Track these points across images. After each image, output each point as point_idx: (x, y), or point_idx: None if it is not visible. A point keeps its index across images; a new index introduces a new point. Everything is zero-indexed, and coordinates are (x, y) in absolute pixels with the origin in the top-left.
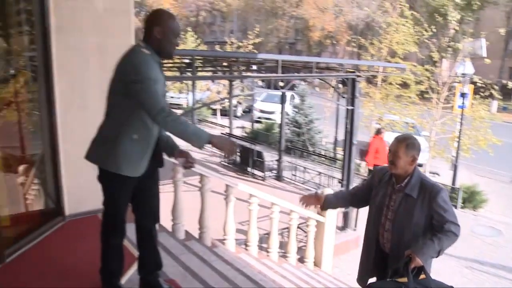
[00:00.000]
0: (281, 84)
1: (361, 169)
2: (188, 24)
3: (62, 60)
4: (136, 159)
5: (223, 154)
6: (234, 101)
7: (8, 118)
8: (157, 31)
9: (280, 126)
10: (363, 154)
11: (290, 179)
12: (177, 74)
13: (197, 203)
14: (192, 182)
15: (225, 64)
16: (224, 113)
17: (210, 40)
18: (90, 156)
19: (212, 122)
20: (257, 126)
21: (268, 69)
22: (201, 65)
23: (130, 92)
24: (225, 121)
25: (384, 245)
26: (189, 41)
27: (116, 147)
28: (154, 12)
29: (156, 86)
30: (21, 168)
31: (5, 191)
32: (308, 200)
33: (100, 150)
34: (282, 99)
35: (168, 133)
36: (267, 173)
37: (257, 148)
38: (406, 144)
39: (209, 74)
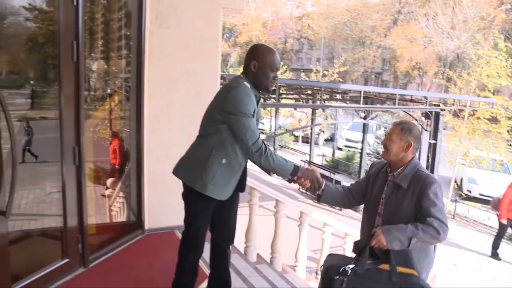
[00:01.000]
0: (362, 114)
1: (489, 222)
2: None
3: (152, 83)
4: (223, 183)
5: (307, 187)
6: (316, 129)
7: (101, 134)
8: (253, 64)
9: (361, 156)
10: (495, 204)
11: None
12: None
13: (271, 228)
14: (268, 207)
15: (309, 92)
16: (306, 140)
17: (296, 67)
18: (179, 172)
19: (293, 149)
20: (337, 154)
21: (351, 99)
22: (285, 91)
23: (226, 121)
24: (306, 148)
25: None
26: None
27: (205, 168)
28: (252, 46)
29: (250, 120)
30: (109, 181)
31: (94, 201)
32: (310, 177)
33: (190, 169)
34: (364, 129)
35: None
36: None
37: (337, 177)
38: (401, 127)
39: (293, 101)
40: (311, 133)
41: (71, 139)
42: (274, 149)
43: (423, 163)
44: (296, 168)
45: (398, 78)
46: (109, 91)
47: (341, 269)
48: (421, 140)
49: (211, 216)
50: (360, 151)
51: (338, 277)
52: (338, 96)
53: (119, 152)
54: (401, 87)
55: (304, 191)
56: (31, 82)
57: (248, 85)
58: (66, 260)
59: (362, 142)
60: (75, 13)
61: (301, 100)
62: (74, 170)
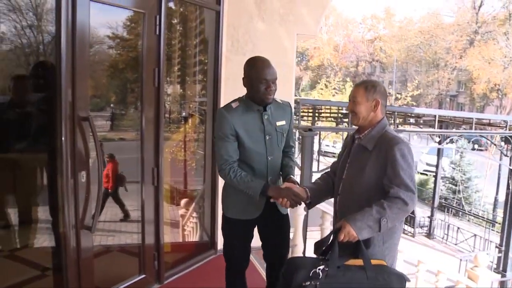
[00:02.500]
0: (437, 139)
1: None
2: (348, 74)
3: None
4: (240, 202)
5: (287, 207)
6: None
7: (176, 155)
8: (244, 81)
9: (435, 181)
10: None
11: (442, 238)
12: (333, 124)
13: None
14: None
15: None
16: None
17: None
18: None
19: None
20: None
21: (425, 123)
22: None
23: None
24: None
25: (336, 214)
26: (347, 91)
27: (225, 190)
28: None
29: (220, 141)
30: (182, 201)
31: (168, 221)
32: (286, 195)
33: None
34: (438, 154)
35: (288, 162)
36: (417, 229)
37: None
38: (365, 86)
39: None
40: None
41: (151, 160)
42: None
43: (502, 190)
44: (265, 187)
45: (475, 100)
46: (184, 114)
47: (311, 273)
48: (388, 96)
49: (248, 239)
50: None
51: (308, 282)
52: (412, 120)
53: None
54: (478, 110)
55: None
56: (111, 105)
57: (234, 104)
58: (143, 275)
59: (437, 167)
60: (157, 42)
61: None
62: (153, 190)
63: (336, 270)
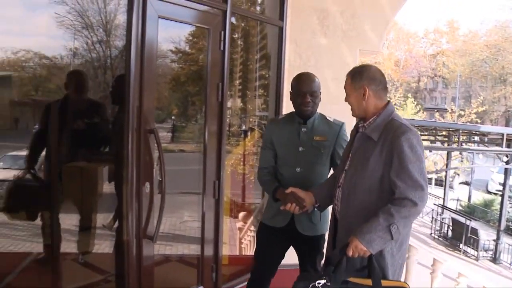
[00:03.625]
0: (505, 158)
1: None
2: (409, 90)
3: None
4: (272, 209)
5: (296, 212)
6: (451, 172)
7: (235, 168)
8: (290, 95)
9: (501, 202)
10: None
11: (509, 264)
12: None
13: (402, 274)
14: None
15: (444, 133)
16: (440, 183)
17: (430, 106)
18: None
19: (430, 193)
20: (474, 199)
21: (491, 141)
22: (419, 132)
23: None
24: (439, 191)
25: (335, 209)
26: (408, 108)
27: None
28: None
29: (262, 149)
30: (240, 214)
31: (226, 233)
32: (289, 200)
33: None
34: (506, 174)
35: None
36: (481, 253)
37: (472, 224)
38: (351, 75)
39: (428, 142)
40: (446, 176)
41: (212, 173)
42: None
43: None
44: (276, 189)
45: None
46: (244, 128)
47: (310, 286)
48: (380, 78)
49: (271, 249)
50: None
51: None
52: (476, 138)
53: None
54: None
55: (437, 237)
56: (172, 117)
57: (280, 116)
58: (201, 287)
59: (504, 187)
60: (221, 57)
61: (436, 141)
62: (214, 203)
63: (339, 286)
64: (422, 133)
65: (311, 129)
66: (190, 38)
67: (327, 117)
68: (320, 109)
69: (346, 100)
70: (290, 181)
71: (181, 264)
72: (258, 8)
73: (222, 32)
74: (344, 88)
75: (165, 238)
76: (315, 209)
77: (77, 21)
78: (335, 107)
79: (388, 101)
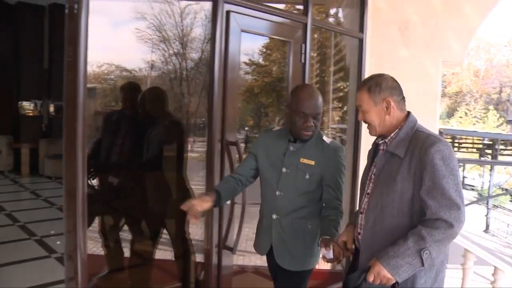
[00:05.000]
0: None
1: None
2: (489, 102)
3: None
4: (257, 232)
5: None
6: None
7: None
8: (285, 109)
9: None
10: None
11: None
12: (476, 155)
13: None
14: (483, 273)
15: None
16: None
17: None
18: None
19: (509, 210)
20: None
21: None
22: (503, 147)
23: None
24: None
25: (358, 236)
26: (490, 120)
27: None
28: None
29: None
30: None
31: None
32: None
33: None
34: None
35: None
36: None
37: None
38: (367, 88)
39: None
40: None
41: None
42: (488, 209)
43: None
44: (212, 191)
45: None
46: None
47: None
48: (399, 86)
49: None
50: None
51: None
52: None
53: None
54: None
55: None
56: (246, 128)
57: (275, 128)
58: None
59: None
60: (302, 70)
61: None
62: None
63: None
64: (507, 148)
65: (299, 148)
66: (264, 50)
67: (324, 138)
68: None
69: (362, 118)
70: (269, 205)
71: (257, 276)
72: (331, 19)
73: (303, 45)
74: (359, 105)
75: (240, 248)
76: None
77: (155, 35)
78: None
79: (408, 112)
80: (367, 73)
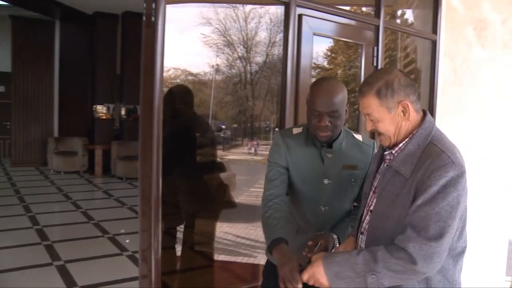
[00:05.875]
0: None
1: None
2: None
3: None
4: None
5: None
6: None
7: None
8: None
9: None
10: None
11: None
12: None
13: None
14: None
15: None
16: None
17: None
18: None
19: None
20: None
21: None
22: None
23: None
24: None
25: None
26: None
27: None
28: None
29: (269, 167)
30: None
31: None
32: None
33: None
34: None
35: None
36: None
37: None
38: (377, 91)
39: None
40: None
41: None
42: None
43: None
44: (278, 242)
45: None
46: None
47: None
48: (412, 82)
49: None
50: None
51: None
52: None
53: None
54: None
55: None
56: None
57: (294, 130)
58: None
59: None
60: None
61: None
62: None
63: None
64: None
65: (338, 154)
66: (328, 53)
67: (354, 135)
68: (474, 129)
69: (372, 128)
70: (311, 222)
71: None
72: (398, 21)
73: (375, 48)
74: (367, 114)
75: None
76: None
77: (219, 40)
78: (493, 126)
79: (424, 112)
80: (441, 76)
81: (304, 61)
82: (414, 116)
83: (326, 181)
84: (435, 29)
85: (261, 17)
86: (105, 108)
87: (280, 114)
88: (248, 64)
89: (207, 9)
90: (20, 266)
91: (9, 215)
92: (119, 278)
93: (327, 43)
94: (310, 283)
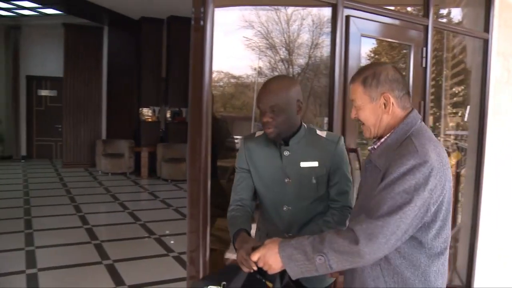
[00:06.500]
0: None
1: None
2: None
3: (494, 144)
4: None
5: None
6: None
7: None
8: None
9: None
10: None
11: None
12: None
13: None
14: None
15: None
16: None
17: None
18: None
19: None
20: None
21: None
22: None
23: None
24: None
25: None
26: None
27: None
28: None
29: (236, 176)
30: None
31: None
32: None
33: None
34: None
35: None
36: None
37: None
38: (363, 79)
39: None
40: None
41: None
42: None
43: None
44: (235, 235)
45: None
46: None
47: None
48: (403, 79)
49: None
50: None
51: None
52: None
53: None
54: None
55: None
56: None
57: (260, 133)
58: None
59: None
60: (423, 75)
61: None
62: None
63: None
64: None
65: (296, 151)
66: (372, 55)
67: (318, 131)
68: None
69: (355, 116)
70: (278, 225)
71: None
72: (443, 20)
73: (424, 49)
74: (353, 99)
75: None
76: None
77: (261, 43)
78: None
79: (411, 109)
80: (493, 76)
81: (351, 63)
82: (397, 111)
83: (287, 180)
84: (487, 27)
85: (303, 19)
86: (150, 111)
87: (328, 116)
88: (291, 66)
89: (249, 12)
90: (70, 264)
91: (60, 214)
92: (166, 278)
93: (371, 44)
94: (260, 264)
